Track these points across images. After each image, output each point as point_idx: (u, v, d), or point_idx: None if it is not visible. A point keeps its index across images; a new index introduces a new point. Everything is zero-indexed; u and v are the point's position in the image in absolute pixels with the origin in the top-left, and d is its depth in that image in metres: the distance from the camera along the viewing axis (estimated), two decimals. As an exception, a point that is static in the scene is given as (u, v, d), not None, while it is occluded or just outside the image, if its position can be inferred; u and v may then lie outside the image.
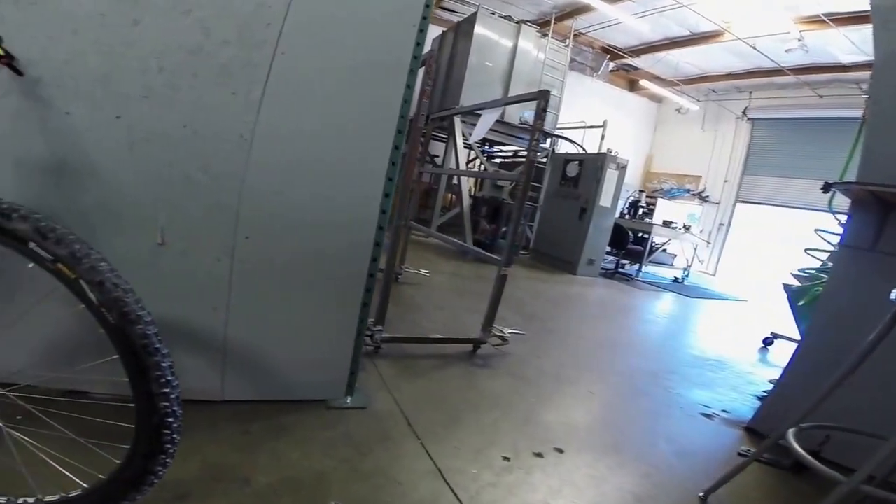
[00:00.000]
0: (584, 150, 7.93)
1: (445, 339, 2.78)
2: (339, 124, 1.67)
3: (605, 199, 6.74)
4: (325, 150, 1.67)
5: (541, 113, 2.68)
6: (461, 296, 4.37)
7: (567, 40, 8.99)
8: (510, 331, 2.96)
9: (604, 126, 8.85)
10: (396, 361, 2.50)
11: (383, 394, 2.11)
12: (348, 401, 1.94)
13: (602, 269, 7.36)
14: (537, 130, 2.70)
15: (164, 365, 0.93)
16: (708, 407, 2.73)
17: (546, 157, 8.20)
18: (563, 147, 8.54)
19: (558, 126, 8.81)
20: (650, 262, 8.12)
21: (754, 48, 9.15)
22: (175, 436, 0.97)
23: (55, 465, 1.10)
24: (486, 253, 3.27)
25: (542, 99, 2.65)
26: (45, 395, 1.25)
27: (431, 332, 3.02)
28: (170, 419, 0.95)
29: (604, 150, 7.32)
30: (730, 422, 2.58)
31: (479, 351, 2.86)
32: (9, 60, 1.32)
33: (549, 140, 8.37)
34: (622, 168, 6.90)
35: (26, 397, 1.13)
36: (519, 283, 5.38)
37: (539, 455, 1.87)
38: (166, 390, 0.93)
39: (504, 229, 7.28)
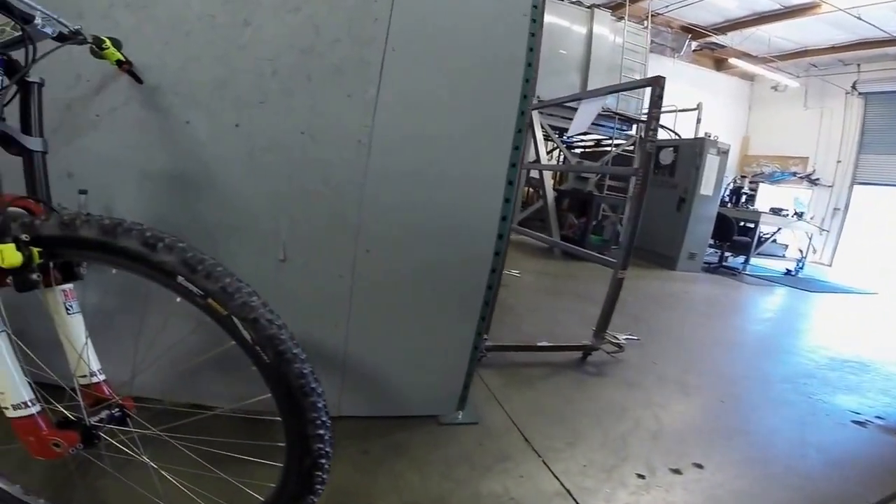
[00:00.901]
0: (677, 135, 7.43)
1: (554, 347, 2.63)
2: (454, 124, 1.55)
3: (706, 188, 6.26)
4: (442, 153, 1.56)
5: (657, 101, 2.47)
6: (554, 296, 4.18)
7: (645, 22, 8.51)
8: (625, 336, 2.75)
9: (698, 109, 8.25)
10: (501, 371, 2.37)
11: (493, 407, 2.00)
12: (460, 416, 1.85)
13: (704, 262, 6.85)
14: (654, 120, 2.50)
15: (319, 405, 0.87)
16: (858, 413, 2.45)
17: (633, 144, 7.77)
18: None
19: (644, 111, 8.32)
20: (758, 253, 7.47)
21: (859, 18, 8.30)
22: (326, 476, 0.90)
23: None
24: (597, 254, 3.06)
25: (656, 86, 2.44)
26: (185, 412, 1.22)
27: (530, 336, 2.86)
28: (323, 461, 0.88)
29: (699, 134, 6.81)
30: (887, 429, 2.30)
31: (588, 358, 2.69)
32: (129, 66, 1.32)
33: (634, 127, 7.93)
34: (723, 153, 6.38)
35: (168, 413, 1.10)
36: (607, 279, 5.07)
37: (677, 471, 1.72)
38: (321, 431, 0.87)
39: (595, 223, 6.94)
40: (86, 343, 0.98)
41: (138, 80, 1.35)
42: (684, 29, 11.10)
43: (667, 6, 9.91)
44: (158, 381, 1.46)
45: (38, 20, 0.94)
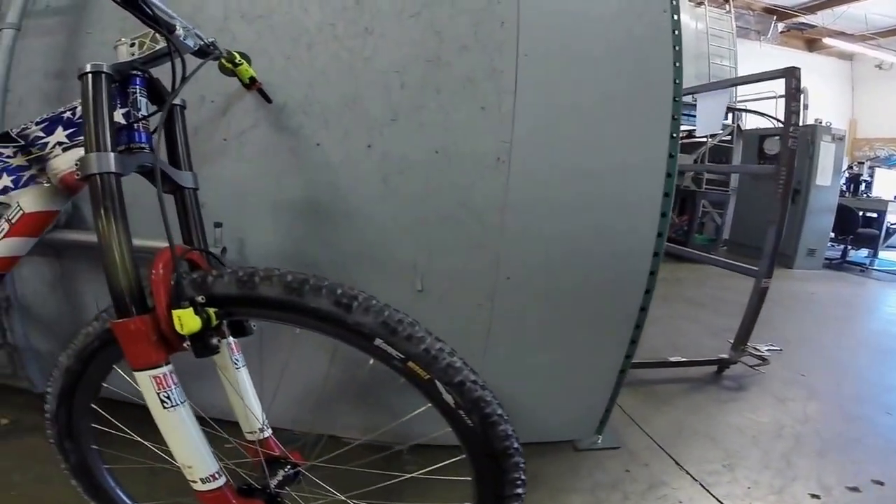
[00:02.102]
0: (781, 123, 6.82)
1: (689, 362, 2.42)
2: (600, 135, 1.40)
3: (822, 178, 5.68)
4: (589, 167, 1.40)
5: (794, 93, 2.25)
6: (666, 302, 3.89)
7: (727, 5, 7.96)
8: (766, 347, 2.49)
9: (804, 94, 7.56)
10: (633, 389, 2.19)
11: (632, 429, 1.86)
12: (599, 441, 1.71)
13: (825, 258, 6.22)
14: (793, 114, 2.27)
15: (521, 465, 0.79)
16: None
17: (730, 134, 7.24)
18: (749, 122, 7.48)
19: (739, 99, 7.75)
20: (886, 246, 6.69)
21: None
22: None
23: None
24: (732, 262, 2.81)
25: (791, 77, 2.21)
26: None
27: (654, 350, 2.66)
28: None
29: (808, 121, 6.21)
30: None
31: (724, 372, 2.47)
32: (260, 85, 1.26)
33: (730, 116, 7.39)
34: (839, 139, 5.78)
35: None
36: (724, 281, 4.66)
37: (855, 489, 1.58)
38: (519, 490, 0.79)
39: (699, 222, 6.50)
40: (253, 397, 0.94)
41: (267, 99, 1.30)
42: (767, 10, 10.44)
43: None
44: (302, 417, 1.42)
45: (179, 30, 0.86)
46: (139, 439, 0.98)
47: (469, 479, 0.82)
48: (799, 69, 2.27)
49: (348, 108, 1.34)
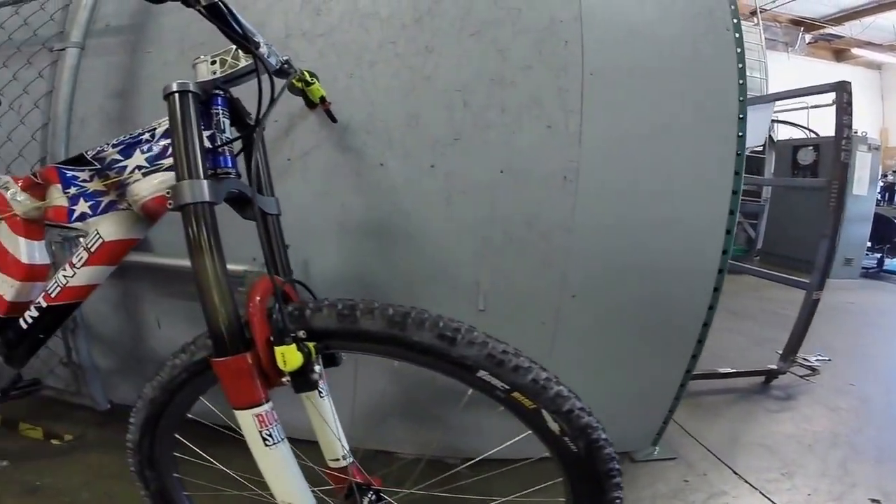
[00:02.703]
0: (814, 133, 6.73)
1: (738, 373, 2.39)
2: (666, 151, 1.38)
3: (858, 188, 5.55)
4: (653, 185, 1.38)
5: (845, 107, 2.21)
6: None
7: (754, 18, 7.88)
8: (815, 358, 2.45)
9: (834, 104, 7.41)
10: (683, 400, 2.14)
11: (686, 439, 1.85)
12: (656, 452, 1.69)
13: (862, 268, 6.08)
14: (845, 128, 2.24)
15: (621, 485, 0.76)
16: None
17: (762, 145, 7.12)
18: (781, 133, 7.36)
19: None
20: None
21: None
22: None
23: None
24: (780, 274, 2.78)
25: (841, 91, 2.16)
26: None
27: (700, 361, 2.60)
28: None
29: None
30: None
31: (772, 382, 2.45)
32: (329, 104, 1.24)
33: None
34: (874, 149, 5.66)
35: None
36: (762, 292, 4.61)
37: None
38: None
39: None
40: (337, 424, 0.92)
41: (333, 118, 1.29)
42: (794, 22, 10.34)
43: (773, 0, 9.28)
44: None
45: (263, 48, 0.83)
46: (224, 468, 0.97)
47: (564, 500, 0.81)
48: (849, 83, 2.24)
49: (411, 128, 1.33)
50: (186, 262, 1.39)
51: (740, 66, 1.40)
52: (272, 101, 0.86)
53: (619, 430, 1.58)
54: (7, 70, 1.49)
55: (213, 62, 0.85)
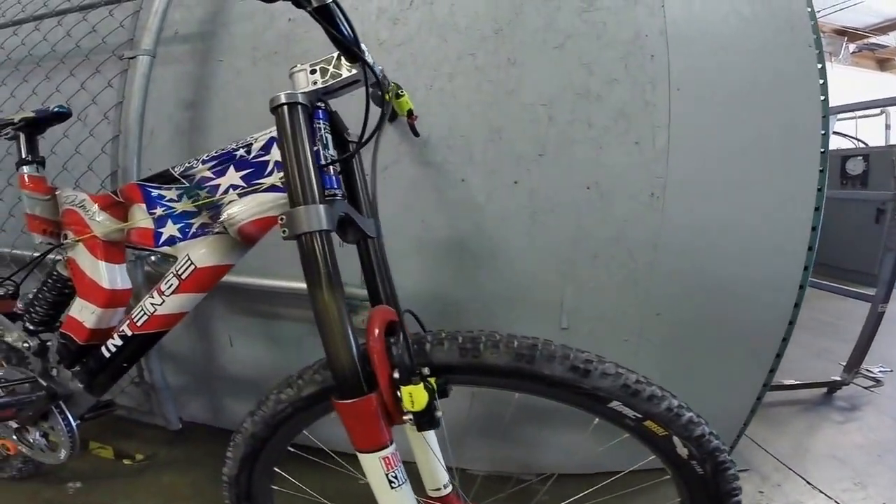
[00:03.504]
0: (863, 143, 6.60)
1: (803, 385, 2.37)
2: (750, 166, 1.33)
3: (916, 200, 5.41)
4: (738, 200, 1.34)
5: None
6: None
7: None
8: (878, 369, 2.43)
9: (886, 114, 7.26)
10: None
11: (755, 450, 1.83)
12: None
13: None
14: None
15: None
16: None
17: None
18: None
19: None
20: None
21: None
22: None
23: None
24: (852, 289, 2.72)
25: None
26: None
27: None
28: None
29: (892, 140, 6.01)
30: None
31: (835, 393, 2.41)
32: (416, 118, 1.17)
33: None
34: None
35: None
36: (812, 302, 4.50)
37: None
38: None
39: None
40: (439, 454, 0.89)
41: (415, 132, 1.24)
42: (838, 32, 10.34)
43: (819, 11, 9.16)
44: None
45: (368, 56, 0.76)
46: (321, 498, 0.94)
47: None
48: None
49: (493, 143, 1.29)
50: (260, 280, 1.37)
51: (822, 81, 1.36)
52: (383, 115, 0.83)
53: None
54: (74, 79, 1.46)
55: (313, 71, 0.79)
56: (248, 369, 1.54)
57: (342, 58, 0.78)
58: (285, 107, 0.74)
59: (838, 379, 2.38)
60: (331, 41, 0.71)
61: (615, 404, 0.73)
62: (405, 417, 0.71)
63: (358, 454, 0.71)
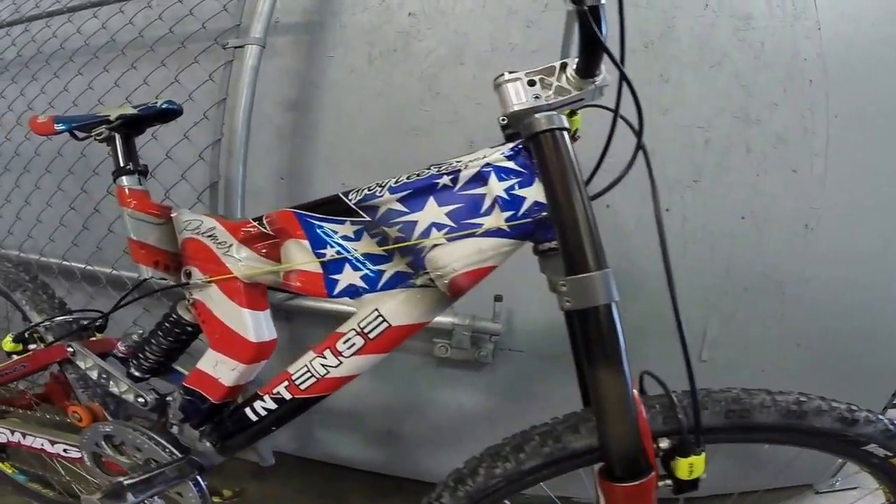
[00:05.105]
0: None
1: None
2: None
3: None
4: (887, 231, 1.30)
5: None
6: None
7: None
8: None
9: None
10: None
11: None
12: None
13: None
14: None
15: None
16: None
17: None
18: None
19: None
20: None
21: None
22: None
23: None
24: None
25: None
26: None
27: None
28: None
29: None
30: None
31: None
32: (577, 139, 1.09)
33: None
34: None
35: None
36: None
37: None
38: None
39: None
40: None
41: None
42: None
43: None
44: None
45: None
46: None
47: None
48: None
49: (645, 166, 1.20)
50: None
51: None
52: (641, 148, 0.71)
53: (805, 465, 1.54)
54: (166, 70, 1.24)
55: (531, 83, 0.66)
56: (342, 399, 1.39)
57: (566, 68, 0.67)
58: (548, 135, 0.61)
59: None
60: (581, 50, 0.60)
61: (871, 447, 0.71)
62: (663, 483, 0.65)
63: None
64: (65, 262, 1.37)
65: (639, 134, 0.69)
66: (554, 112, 0.63)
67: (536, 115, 0.62)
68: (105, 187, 1.29)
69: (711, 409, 0.69)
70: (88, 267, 1.33)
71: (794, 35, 1.22)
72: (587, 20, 0.54)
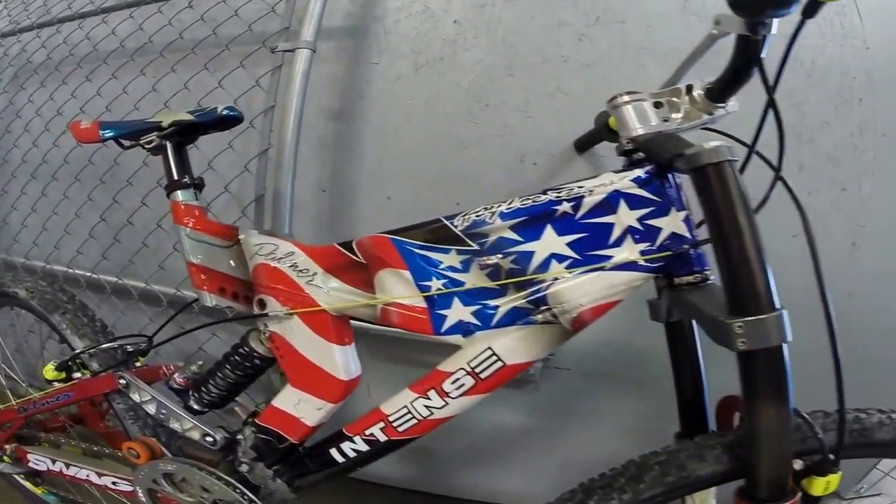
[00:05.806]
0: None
1: None
2: None
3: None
4: None
5: None
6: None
7: None
8: None
9: None
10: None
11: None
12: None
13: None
14: None
15: None
16: None
17: None
18: None
19: None
20: None
21: None
22: None
23: None
24: None
25: None
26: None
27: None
28: None
29: None
30: None
31: None
32: None
33: None
34: None
35: None
36: None
37: None
38: None
39: None
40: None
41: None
42: None
43: None
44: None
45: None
46: None
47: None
48: None
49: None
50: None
51: None
52: (778, 175, 0.71)
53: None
54: (208, 74, 1.16)
55: (659, 104, 0.64)
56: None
57: (692, 90, 0.67)
58: (719, 166, 0.56)
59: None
60: (729, 75, 0.64)
61: None
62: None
63: None
64: (93, 275, 1.28)
65: (777, 168, 0.66)
66: (721, 143, 0.58)
67: (704, 147, 0.58)
68: (138, 198, 1.21)
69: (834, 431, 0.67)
70: (120, 281, 1.25)
71: (842, 54, 1.22)
72: (755, 49, 0.55)
